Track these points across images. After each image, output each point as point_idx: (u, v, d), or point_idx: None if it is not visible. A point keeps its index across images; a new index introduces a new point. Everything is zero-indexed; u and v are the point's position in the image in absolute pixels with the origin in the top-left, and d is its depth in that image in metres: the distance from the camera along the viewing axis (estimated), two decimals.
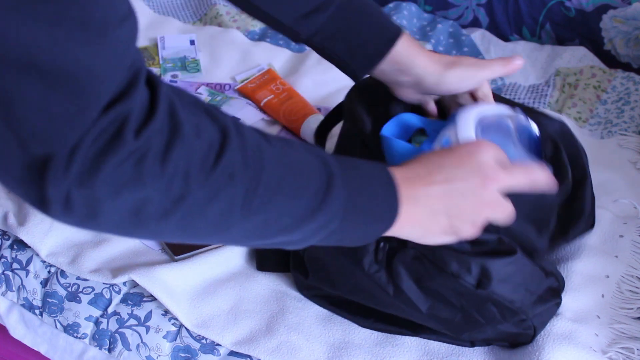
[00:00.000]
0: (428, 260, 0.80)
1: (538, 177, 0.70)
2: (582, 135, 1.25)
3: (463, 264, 0.79)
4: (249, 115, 1.29)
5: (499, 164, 0.68)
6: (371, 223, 0.64)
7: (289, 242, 0.61)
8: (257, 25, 1.60)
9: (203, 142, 0.52)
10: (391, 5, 1.62)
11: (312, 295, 0.95)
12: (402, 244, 0.81)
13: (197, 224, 0.54)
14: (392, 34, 0.84)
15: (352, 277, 0.85)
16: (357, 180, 0.62)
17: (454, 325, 0.83)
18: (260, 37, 1.57)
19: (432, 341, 0.90)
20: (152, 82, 0.52)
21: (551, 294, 0.86)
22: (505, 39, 1.58)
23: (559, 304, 0.87)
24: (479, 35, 1.55)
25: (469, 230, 0.69)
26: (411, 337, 0.90)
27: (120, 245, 1.04)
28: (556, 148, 0.89)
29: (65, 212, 0.50)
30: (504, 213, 0.70)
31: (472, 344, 0.88)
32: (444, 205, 0.66)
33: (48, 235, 1.04)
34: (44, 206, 0.50)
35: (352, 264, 0.83)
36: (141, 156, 0.49)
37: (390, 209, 0.63)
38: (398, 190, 0.64)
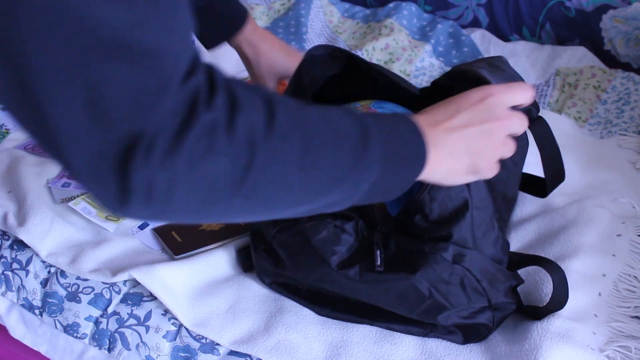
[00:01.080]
0: (407, 250, 0.83)
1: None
2: (582, 135, 1.25)
3: (440, 246, 0.82)
4: None
5: (505, 104, 0.74)
6: (406, 168, 0.67)
7: (340, 199, 0.64)
8: None
9: (257, 111, 0.54)
10: (391, 5, 1.62)
11: (270, 282, 0.96)
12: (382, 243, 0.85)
13: (264, 189, 0.56)
14: (242, 17, 0.98)
15: (320, 270, 0.87)
16: (388, 129, 0.65)
17: (419, 312, 0.84)
18: None
19: (430, 340, 0.90)
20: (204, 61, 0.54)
21: (512, 292, 0.88)
22: (505, 39, 1.58)
23: (515, 304, 0.88)
24: (479, 35, 1.55)
25: (488, 167, 0.74)
26: (409, 336, 0.90)
27: (120, 246, 1.04)
28: None
29: (145, 201, 0.50)
30: (512, 150, 0.76)
31: (427, 334, 0.90)
32: (465, 146, 0.71)
33: (48, 236, 1.04)
34: (124, 197, 0.50)
35: (318, 261, 0.86)
36: (212, 129, 0.51)
37: (419, 154, 0.68)
38: (424, 136, 0.68)
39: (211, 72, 0.54)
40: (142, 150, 0.48)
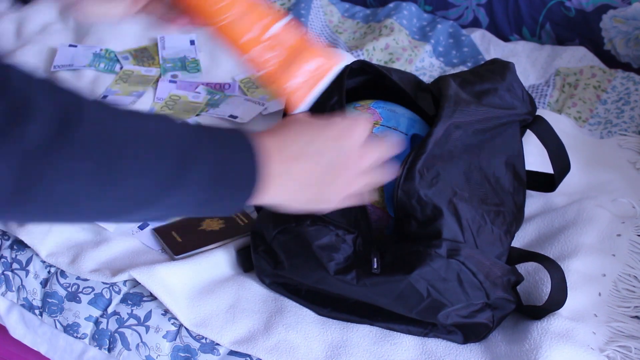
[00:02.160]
0: (403, 254, 0.84)
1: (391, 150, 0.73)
2: (582, 135, 1.25)
3: (434, 243, 0.83)
4: (248, 110, 1.30)
5: (362, 144, 0.70)
6: (234, 191, 0.62)
7: (154, 216, 0.60)
8: None
9: (50, 120, 0.50)
10: (391, 5, 1.62)
11: (270, 282, 0.96)
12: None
13: (48, 204, 0.52)
14: None
15: (318, 273, 0.87)
16: (220, 150, 0.60)
17: (419, 311, 0.84)
18: None
19: (430, 340, 0.90)
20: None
21: (510, 288, 0.88)
22: (505, 39, 1.58)
23: (514, 303, 0.88)
24: (479, 35, 1.55)
25: (337, 200, 0.71)
26: (409, 336, 0.90)
27: (120, 246, 1.04)
28: None
29: None
30: (376, 180, 0.72)
31: (427, 334, 0.90)
32: (313, 178, 0.67)
33: (48, 236, 1.04)
34: None
35: (316, 265, 0.86)
36: None
37: (250, 178, 0.62)
38: (258, 159, 0.62)
39: (4, 71, 0.49)
40: None
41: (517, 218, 0.99)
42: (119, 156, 0.53)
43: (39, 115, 0.49)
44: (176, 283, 0.96)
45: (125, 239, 1.06)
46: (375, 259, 0.85)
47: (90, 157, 0.52)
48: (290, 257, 0.90)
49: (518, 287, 0.93)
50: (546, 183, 1.06)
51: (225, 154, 0.61)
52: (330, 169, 0.68)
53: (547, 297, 0.89)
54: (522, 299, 0.91)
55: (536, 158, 1.10)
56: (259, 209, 1.02)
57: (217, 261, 1.00)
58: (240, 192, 0.62)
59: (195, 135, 0.59)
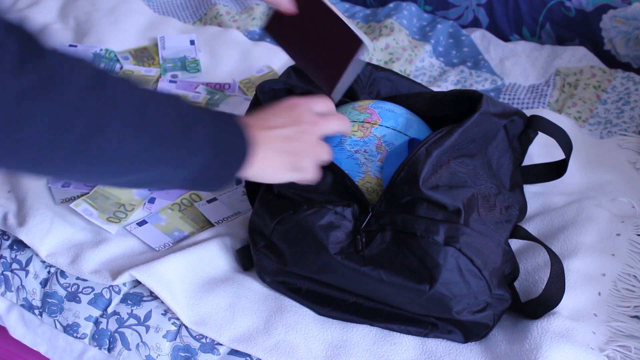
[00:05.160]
0: (402, 233, 0.84)
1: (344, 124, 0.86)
2: (582, 135, 1.25)
3: (430, 227, 0.82)
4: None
5: (317, 113, 0.82)
6: (229, 158, 0.72)
7: (162, 179, 0.69)
8: (257, 25, 1.61)
9: (82, 79, 0.58)
10: (391, 5, 1.62)
11: (271, 280, 0.96)
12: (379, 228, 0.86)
13: (86, 158, 0.61)
14: None
15: (320, 258, 0.87)
16: (214, 122, 0.71)
17: (421, 302, 0.84)
18: (260, 37, 1.57)
19: (430, 340, 0.90)
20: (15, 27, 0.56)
21: (506, 281, 0.88)
22: (505, 39, 1.58)
23: (510, 295, 0.88)
24: (479, 35, 1.55)
25: (309, 168, 0.82)
26: (409, 336, 0.90)
27: (119, 246, 1.04)
28: None
29: None
30: (328, 153, 0.83)
31: (427, 334, 0.89)
32: (283, 145, 0.78)
33: (48, 236, 1.04)
34: None
35: (319, 250, 0.86)
36: (22, 96, 0.54)
37: (242, 146, 0.73)
38: (246, 132, 0.73)
39: (29, 42, 0.56)
40: None
41: (521, 211, 0.99)
42: (139, 116, 0.62)
43: (67, 83, 0.56)
44: (176, 281, 0.96)
45: (124, 239, 1.06)
46: (358, 238, 0.86)
47: (114, 116, 0.60)
48: (291, 245, 0.89)
49: (517, 288, 0.93)
50: (556, 170, 1.07)
51: (221, 124, 0.71)
52: (297, 134, 0.79)
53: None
54: (521, 299, 0.91)
55: (531, 158, 1.11)
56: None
57: (217, 260, 1.00)
58: (235, 159, 0.72)
59: (197, 109, 0.70)
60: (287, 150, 0.78)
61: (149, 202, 1.12)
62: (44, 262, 1.04)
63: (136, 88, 0.64)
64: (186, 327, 0.94)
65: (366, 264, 0.84)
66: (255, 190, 1.02)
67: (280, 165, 0.79)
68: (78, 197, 1.10)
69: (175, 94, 0.70)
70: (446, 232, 0.82)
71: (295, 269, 0.91)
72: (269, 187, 0.94)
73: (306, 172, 0.82)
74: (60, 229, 1.05)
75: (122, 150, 0.62)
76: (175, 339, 0.94)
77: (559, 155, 1.06)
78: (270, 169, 0.79)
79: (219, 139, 0.70)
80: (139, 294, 0.98)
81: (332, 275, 0.88)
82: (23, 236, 1.04)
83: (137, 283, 1.00)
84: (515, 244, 1.01)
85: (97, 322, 0.98)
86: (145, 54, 1.46)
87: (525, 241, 1.01)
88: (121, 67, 1.42)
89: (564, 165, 1.05)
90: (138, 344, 0.95)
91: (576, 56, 1.45)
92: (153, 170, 0.67)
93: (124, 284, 1.00)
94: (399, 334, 0.91)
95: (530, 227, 1.04)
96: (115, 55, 1.45)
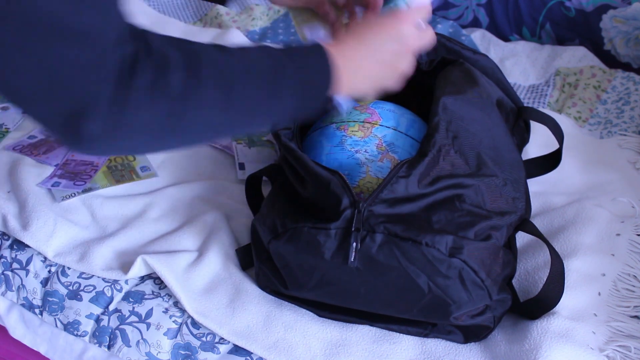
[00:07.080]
0: (399, 238, 0.81)
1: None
2: (582, 135, 1.26)
3: (435, 237, 0.81)
4: None
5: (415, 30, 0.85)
6: (319, 83, 0.76)
7: (268, 121, 0.76)
8: (257, 25, 1.61)
9: (184, 67, 0.64)
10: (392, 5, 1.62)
11: (264, 286, 0.95)
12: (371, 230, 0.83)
13: (194, 130, 0.68)
14: None
15: (317, 271, 0.85)
16: (302, 59, 0.76)
17: (420, 308, 0.84)
18: (261, 37, 1.57)
19: (430, 340, 0.90)
20: (138, 30, 0.65)
21: (504, 284, 0.87)
22: (505, 39, 1.58)
23: (511, 296, 0.88)
24: (479, 35, 1.55)
25: (395, 78, 0.84)
26: (409, 336, 0.90)
27: (125, 240, 1.04)
28: None
29: (95, 145, 0.63)
30: (427, 40, 0.86)
31: (427, 334, 0.89)
32: (376, 52, 0.81)
33: (53, 237, 1.04)
34: (81, 144, 0.62)
35: (313, 257, 0.84)
36: (145, 89, 0.61)
37: (327, 69, 0.76)
38: (329, 55, 0.76)
39: (145, 37, 0.64)
40: (88, 112, 0.60)
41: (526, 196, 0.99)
42: (234, 82, 0.68)
43: (174, 67, 0.63)
44: (182, 274, 0.96)
45: (131, 232, 1.06)
46: (354, 246, 0.82)
47: (215, 87, 0.66)
48: (283, 267, 0.89)
49: (517, 288, 0.93)
50: (551, 160, 1.07)
51: (306, 61, 0.76)
52: (384, 44, 0.82)
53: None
54: (520, 299, 0.91)
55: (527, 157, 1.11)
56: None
57: (216, 259, 1.00)
58: (324, 84, 0.76)
59: (283, 52, 0.75)
60: (380, 57, 0.82)
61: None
62: (44, 261, 1.04)
63: (238, 51, 0.71)
64: (187, 326, 0.94)
65: (360, 274, 0.83)
66: (255, 192, 1.03)
67: (375, 71, 0.83)
68: (77, 194, 1.11)
69: (261, 44, 0.76)
70: (450, 243, 0.81)
71: (295, 289, 0.90)
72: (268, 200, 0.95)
73: (393, 82, 0.85)
74: (64, 228, 1.05)
75: (252, 106, 0.71)
76: (176, 337, 0.94)
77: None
78: (369, 81, 0.83)
79: (307, 77, 0.75)
80: (140, 292, 0.99)
81: (334, 283, 0.86)
82: (28, 240, 1.03)
83: (140, 281, 1.00)
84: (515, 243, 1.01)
85: (98, 320, 0.99)
86: None
87: (525, 241, 1.01)
88: None
89: (559, 155, 1.06)
90: (138, 341, 0.95)
91: (576, 56, 1.45)
92: (270, 118, 0.75)
93: (126, 282, 1.00)
94: (398, 333, 0.91)
95: None
96: None
